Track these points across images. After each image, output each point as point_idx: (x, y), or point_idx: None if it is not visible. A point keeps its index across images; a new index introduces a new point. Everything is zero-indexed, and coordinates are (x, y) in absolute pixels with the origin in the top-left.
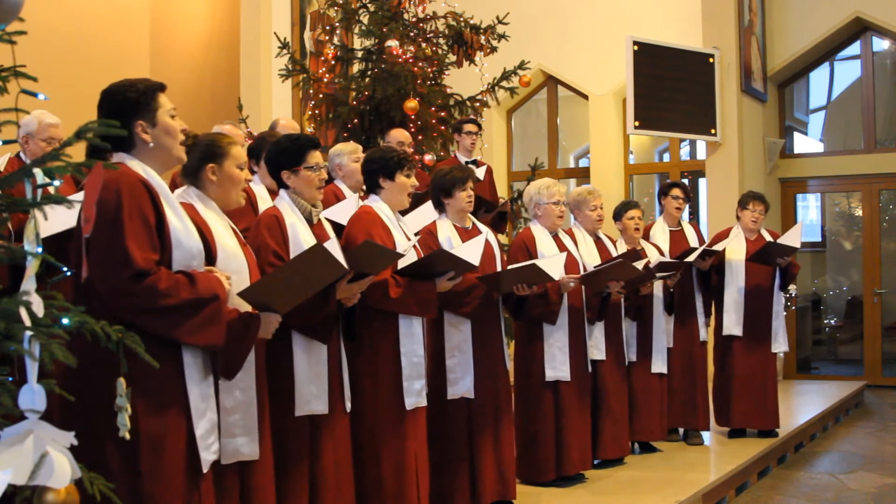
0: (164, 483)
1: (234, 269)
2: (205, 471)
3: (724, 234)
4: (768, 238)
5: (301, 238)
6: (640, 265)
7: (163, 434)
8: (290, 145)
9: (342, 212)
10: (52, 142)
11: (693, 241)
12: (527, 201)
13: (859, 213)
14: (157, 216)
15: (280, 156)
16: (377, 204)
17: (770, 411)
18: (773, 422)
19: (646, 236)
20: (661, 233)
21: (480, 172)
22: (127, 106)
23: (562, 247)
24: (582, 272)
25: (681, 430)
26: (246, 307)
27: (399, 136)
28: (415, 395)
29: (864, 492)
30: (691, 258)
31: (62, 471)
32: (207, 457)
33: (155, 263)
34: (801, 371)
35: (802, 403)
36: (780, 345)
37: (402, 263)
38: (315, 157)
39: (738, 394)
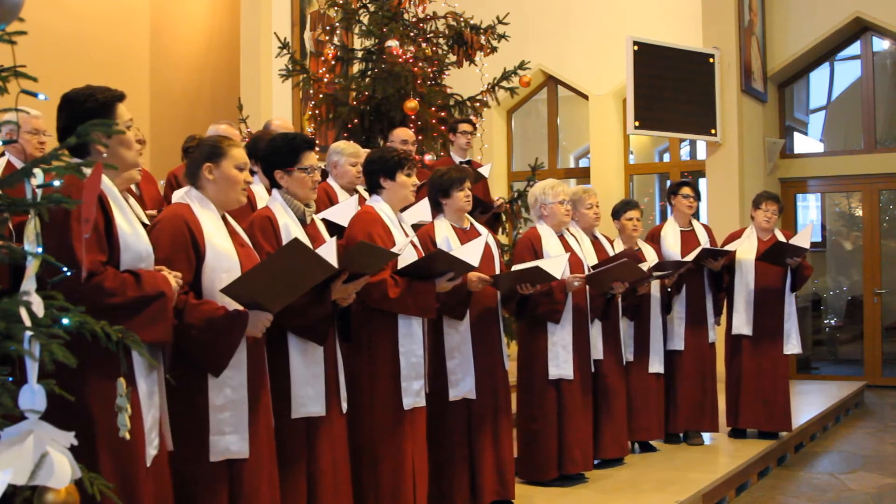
0: (121, 479)
1: (224, 268)
2: (148, 465)
3: (737, 235)
4: (781, 238)
5: None
6: (644, 266)
7: (117, 430)
8: (285, 145)
9: (341, 213)
10: (37, 133)
11: (704, 241)
12: (532, 202)
13: (859, 213)
14: (106, 220)
15: (274, 155)
16: (378, 204)
17: (780, 413)
18: (781, 424)
19: (655, 237)
20: (671, 233)
21: (486, 171)
22: (84, 115)
23: (567, 247)
24: (586, 272)
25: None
26: (237, 305)
27: (403, 135)
28: (413, 395)
29: (864, 492)
30: (689, 257)
31: (62, 471)
32: (150, 451)
33: (101, 264)
34: (802, 371)
35: (802, 403)
36: (792, 346)
37: (401, 263)
38: (309, 158)
39: (747, 394)
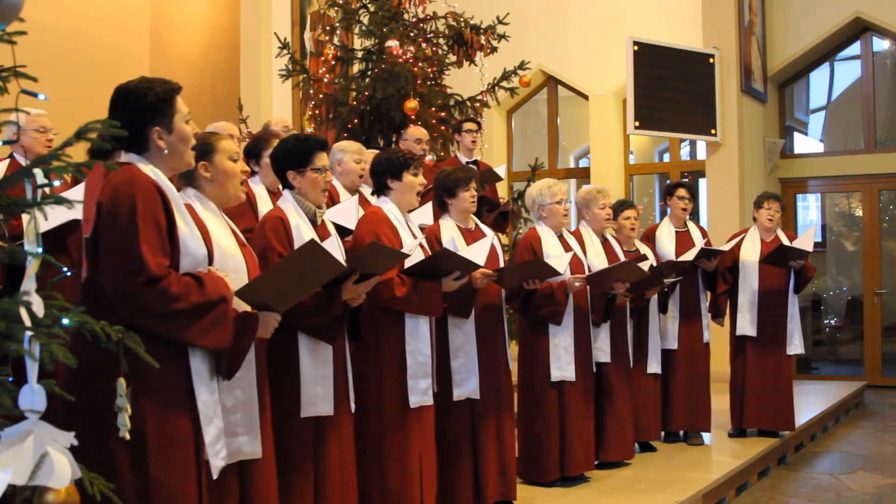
0: (172, 487)
1: (232, 268)
2: (215, 477)
3: (740, 235)
4: (784, 238)
5: (306, 239)
6: (644, 266)
7: (172, 437)
8: (297, 146)
9: (341, 213)
10: (43, 130)
11: (699, 241)
12: (529, 204)
13: (859, 213)
14: (169, 221)
15: (286, 156)
16: (386, 205)
17: (784, 413)
18: (785, 424)
19: (651, 236)
20: (666, 233)
21: (501, 171)
22: (145, 109)
23: (567, 248)
24: (587, 273)
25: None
26: (245, 307)
27: (417, 134)
28: (420, 393)
29: (864, 492)
30: (688, 256)
31: (62, 471)
32: (216, 463)
33: (166, 268)
34: (802, 371)
35: (802, 403)
36: (795, 346)
37: (408, 263)
38: (322, 159)
39: (750, 395)
